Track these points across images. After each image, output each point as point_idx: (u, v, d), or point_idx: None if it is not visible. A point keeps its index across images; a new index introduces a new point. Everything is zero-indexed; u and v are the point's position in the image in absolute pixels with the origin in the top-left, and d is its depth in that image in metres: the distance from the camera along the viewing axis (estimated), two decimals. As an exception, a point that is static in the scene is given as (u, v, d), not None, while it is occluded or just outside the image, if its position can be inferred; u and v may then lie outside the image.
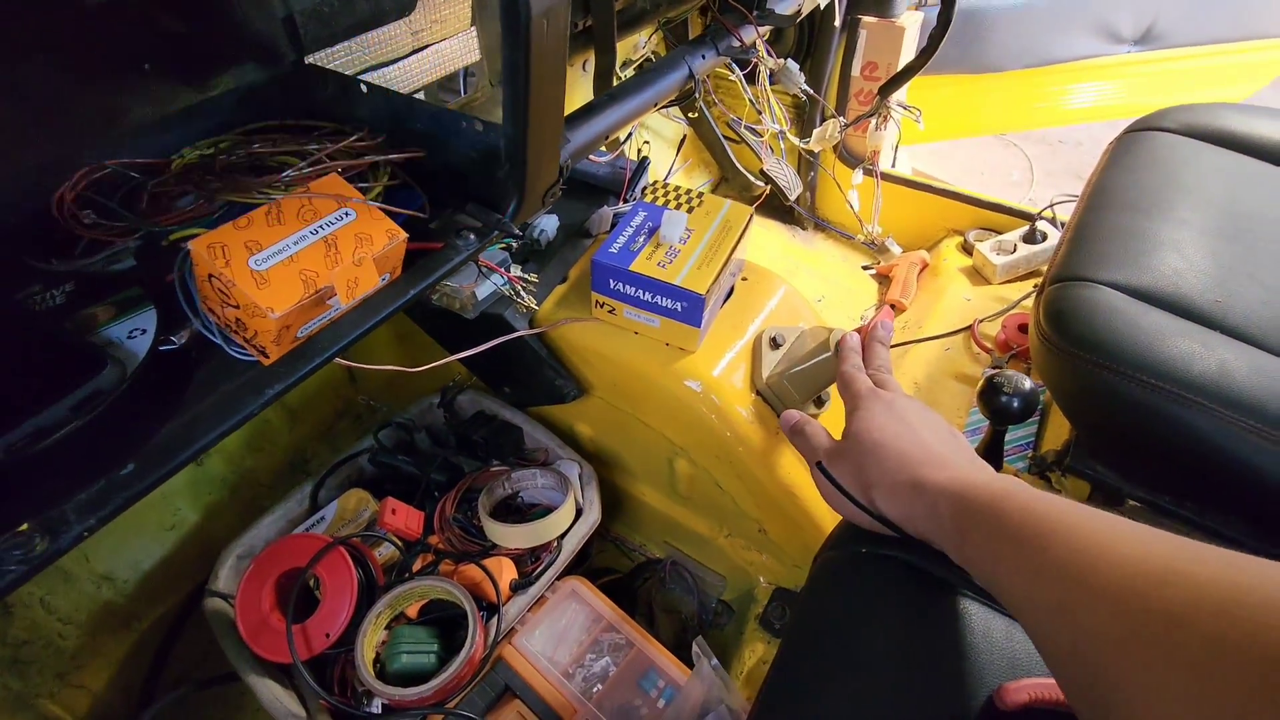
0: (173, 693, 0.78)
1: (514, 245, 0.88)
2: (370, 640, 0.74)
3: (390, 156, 0.51)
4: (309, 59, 0.65)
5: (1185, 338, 0.76)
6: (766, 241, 1.65)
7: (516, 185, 0.52)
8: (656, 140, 1.57)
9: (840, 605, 0.56)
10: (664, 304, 0.81)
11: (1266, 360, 0.75)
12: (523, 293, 0.82)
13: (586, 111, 0.76)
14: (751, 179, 1.46)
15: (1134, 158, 1.05)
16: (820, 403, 0.88)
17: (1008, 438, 0.85)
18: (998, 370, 0.75)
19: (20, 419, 0.34)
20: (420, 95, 0.89)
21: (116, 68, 0.52)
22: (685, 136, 1.50)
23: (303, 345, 0.44)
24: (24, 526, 0.33)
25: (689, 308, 0.80)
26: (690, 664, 0.81)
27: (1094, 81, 1.58)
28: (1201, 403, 0.72)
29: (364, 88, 0.57)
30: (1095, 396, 0.80)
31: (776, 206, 1.65)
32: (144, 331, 0.41)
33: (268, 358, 0.43)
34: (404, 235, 0.46)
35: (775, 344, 0.88)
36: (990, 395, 0.72)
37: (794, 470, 0.86)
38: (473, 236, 0.53)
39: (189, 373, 0.42)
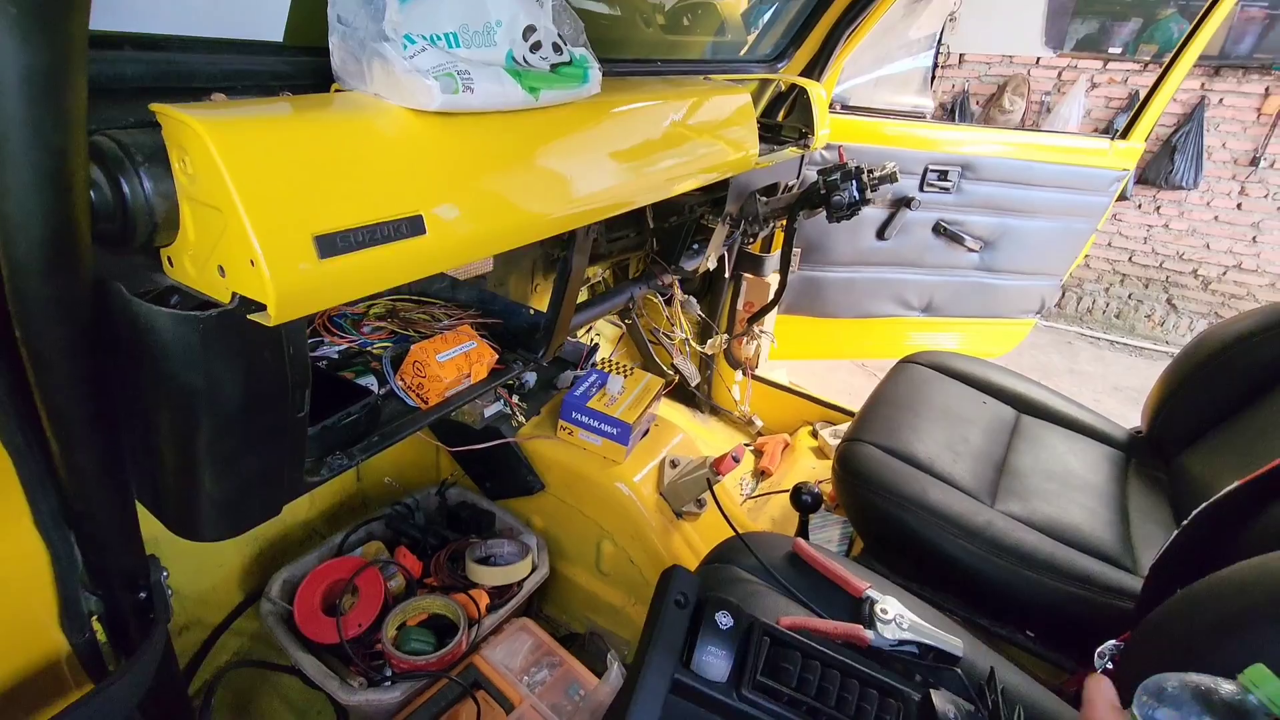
0: (232, 664, 1.06)
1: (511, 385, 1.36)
2: (390, 629, 1.07)
3: (487, 322, 1.02)
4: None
5: (909, 475, 1.31)
6: (673, 418, 2.19)
7: (545, 341, 1.02)
8: (600, 338, 2.15)
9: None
10: (605, 429, 1.29)
11: (948, 490, 1.29)
12: (518, 413, 1.28)
13: (578, 309, 1.30)
14: (664, 369, 2.03)
15: (901, 377, 1.68)
16: (700, 504, 1.35)
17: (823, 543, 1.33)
18: (802, 482, 1.26)
19: (339, 409, 0.76)
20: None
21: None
22: (622, 335, 2.09)
23: (444, 400, 0.88)
24: (337, 452, 0.75)
25: (621, 432, 1.29)
26: (603, 677, 1.17)
27: (896, 331, 2.33)
28: (913, 509, 1.24)
29: (468, 287, 1.08)
30: (864, 510, 1.32)
31: (681, 396, 2.23)
32: (373, 384, 0.86)
33: (426, 404, 0.87)
34: (496, 355, 0.95)
35: (673, 465, 1.37)
36: (795, 494, 1.23)
37: (683, 548, 1.30)
38: (519, 364, 1.01)
39: (393, 406, 0.86)
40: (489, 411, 1.29)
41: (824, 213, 1.47)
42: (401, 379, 0.88)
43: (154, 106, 0.50)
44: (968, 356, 1.79)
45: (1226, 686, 0.48)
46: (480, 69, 0.65)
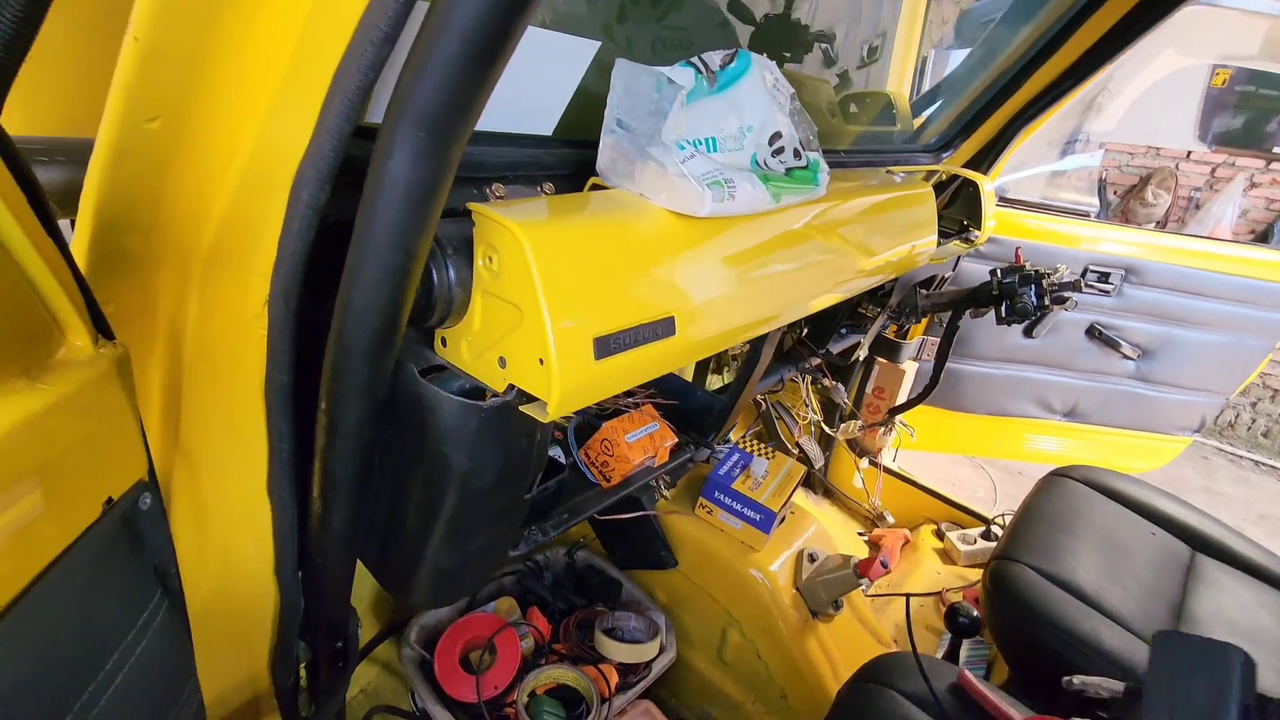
0: (378, 708, 1.07)
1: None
2: (523, 696, 1.06)
3: (661, 402, 1.02)
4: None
5: (1073, 607, 1.20)
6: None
7: (717, 426, 1.01)
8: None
9: None
10: (748, 514, 1.26)
11: (1122, 634, 1.17)
12: (663, 487, 1.27)
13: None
14: (788, 447, 1.98)
15: (1054, 492, 1.56)
16: (837, 606, 1.28)
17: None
18: (958, 601, 1.17)
19: (541, 482, 0.78)
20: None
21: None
22: (758, 414, 2.06)
23: (624, 480, 0.88)
24: (533, 527, 0.76)
25: (764, 519, 1.25)
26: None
27: (1034, 435, 2.19)
28: (1083, 650, 1.13)
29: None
30: (1019, 639, 1.21)
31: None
32: (559, 455, 0.87)
33: (609, 483, 0.87)
34: (675, 439, 0.94)
35: (811, 559, 1.31)
36: (951, 615, 1.14)
37: (816, 651, 1.23)
38: (692, 446, 1.00)
39: (574, 480, 0.87)
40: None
41: (991, 312, 1.41)
42: (586, 454, 0.89)
43: (471, 206, 0.53)
44: (1131, 477, 1.65)
45: None
46: (737, 174, 0.66)
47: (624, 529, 1.32)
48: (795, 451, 1.93)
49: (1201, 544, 1.46)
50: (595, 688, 1.10)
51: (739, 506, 1.26)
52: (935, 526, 2.00)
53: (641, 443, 0.88)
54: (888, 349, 1.94)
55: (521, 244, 0.50)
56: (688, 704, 1.41)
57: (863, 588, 1.47)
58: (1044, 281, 1.32)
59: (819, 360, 1.53)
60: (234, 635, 0.66)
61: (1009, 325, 1.36)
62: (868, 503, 1.97)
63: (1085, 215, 2.00)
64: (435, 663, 1.08)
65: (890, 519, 1.96)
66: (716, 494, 1.28)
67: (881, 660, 1.02)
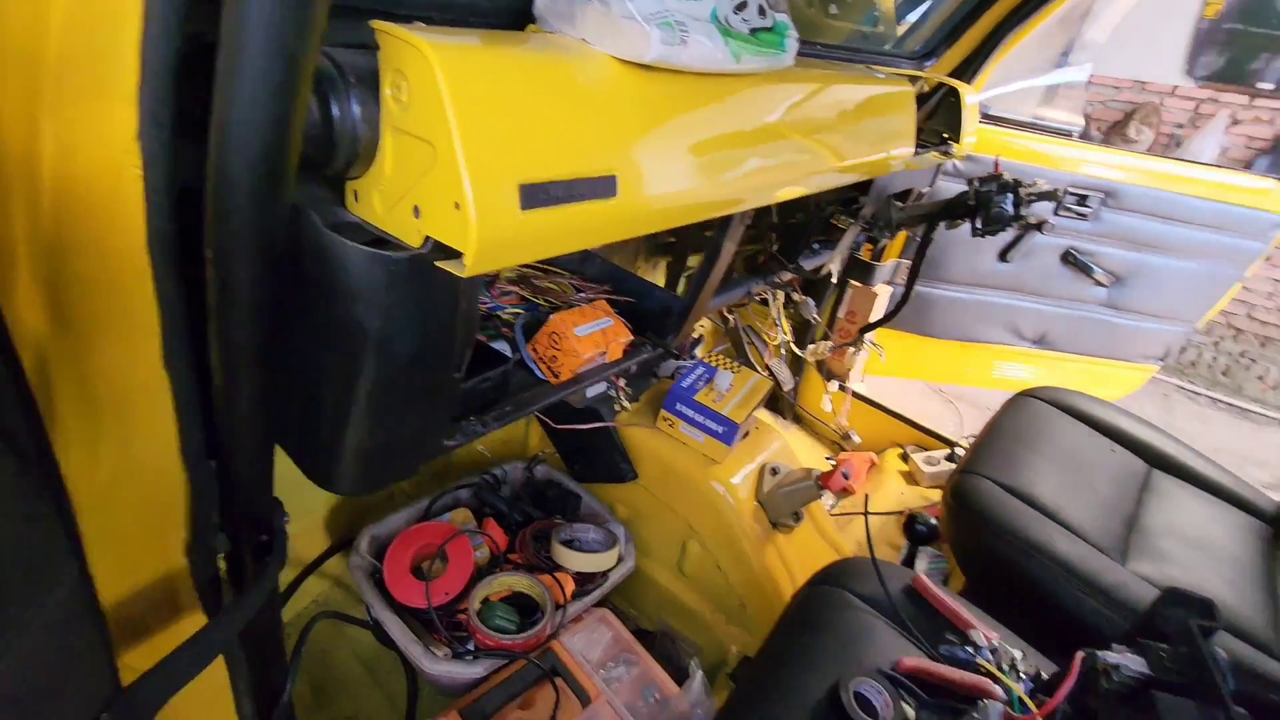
0: (322, 614, 1.05)
1: (618, 367, 1.31)
2: (475, 602, 1.04)
3: (617, 298, 0.97)
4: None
5: (1031, 517, 1.20)
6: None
7: (676, 327, 0.96)
8: (701, 330, 2.09)
9: (794, 625, 0.92)
10: (710, 426, 1.23)
11: (1075, 541, 1.18)
12: (623, 398, 1.23)
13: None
14: (757, 370, 1.96)
15: (1020, 411, 1.56)
16: (797, 517, 1.28)
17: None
18: (917, 510, 1.17)
19: (481, 373, 0.73)
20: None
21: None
22: (724, 332, 2.03)
23: (576, 377, 0.84)
24: (471, 418, 0.71)
25: (727, 431, 1.22)
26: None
27: (1004, 361, 2.19)
28: (1037, 557, 1.14)
29: (599, 260, 1.04)
30: (976, 548, 1.22)
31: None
32: (506, 351, 0.82)
33: (558, 378, 0.83)
34: (631, 336, 0.89)
35: (774, 472, 1.30)
36: (910, 524, 1.14)
37: (775, 560, 1.23)
38: (649, 347, 0.96)
39: (521, 377, 0.82)
40: (591, 392, 1.23)
41: (966, 225, 1.36)
42: (534, 349, 0.84)
43: (375, 24, 0.46)
44: (1094, 398, 1.65)
45: None
46: (691, 23, 0.59)
47: (583, 441, 1.29)
48: (764, 373, 1.90)
49: (1158, 461, 1.48)
50: (550, 594, 1.09)
51: (701, 418, 1.23)
52: (901, 450, 2.01)
53: (593, 337, 0.84)
54: (861, 271, 1.90)
55: (432, 66, 0.43)
56: (646, 614, 1.41)
57: (825, 502, 1.47)
58: (1020, 190, 1.27)
59: (790, 276, 1.48)
60: (142, 525, 0.62)
61: (984, 237, 1.32)
62: (834, 423, 1.97)
63: (1068, 135, 1.94)
64: (384, 570, 1.05)
65: (856, 438, 1.96)
66: (678, 405, 1.25)
67: (837, 564, 1.01)
